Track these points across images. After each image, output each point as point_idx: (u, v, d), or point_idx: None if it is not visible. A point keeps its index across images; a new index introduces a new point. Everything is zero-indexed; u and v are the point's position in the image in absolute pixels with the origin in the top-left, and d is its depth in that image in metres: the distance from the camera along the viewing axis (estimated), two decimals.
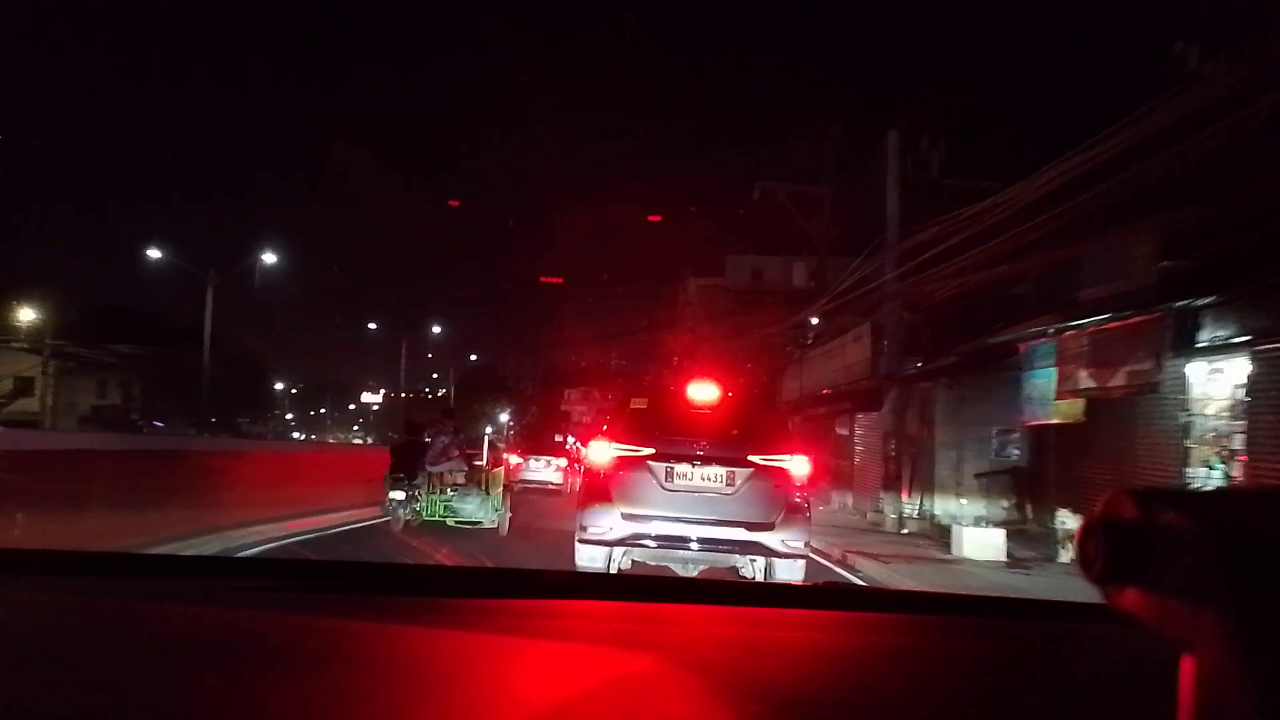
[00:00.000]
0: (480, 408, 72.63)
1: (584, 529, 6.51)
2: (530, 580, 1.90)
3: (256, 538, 9.44)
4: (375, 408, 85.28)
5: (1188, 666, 0.47)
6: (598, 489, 6.56)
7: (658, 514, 6.37)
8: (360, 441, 74.25)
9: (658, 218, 42.34)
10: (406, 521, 10.83)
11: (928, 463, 15.24)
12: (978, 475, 14.76)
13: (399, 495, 10.73)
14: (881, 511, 15.97)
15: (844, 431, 20.94)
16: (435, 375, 72.83)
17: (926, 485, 15.33)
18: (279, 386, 72.04)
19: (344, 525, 11.33)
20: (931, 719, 1.07)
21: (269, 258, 28.92)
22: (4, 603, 1.32)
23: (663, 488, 6.41)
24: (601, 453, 6.72)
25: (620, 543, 6.45)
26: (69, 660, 1.07)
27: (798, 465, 6.57)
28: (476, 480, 11.33)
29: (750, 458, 6.44)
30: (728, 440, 6.58)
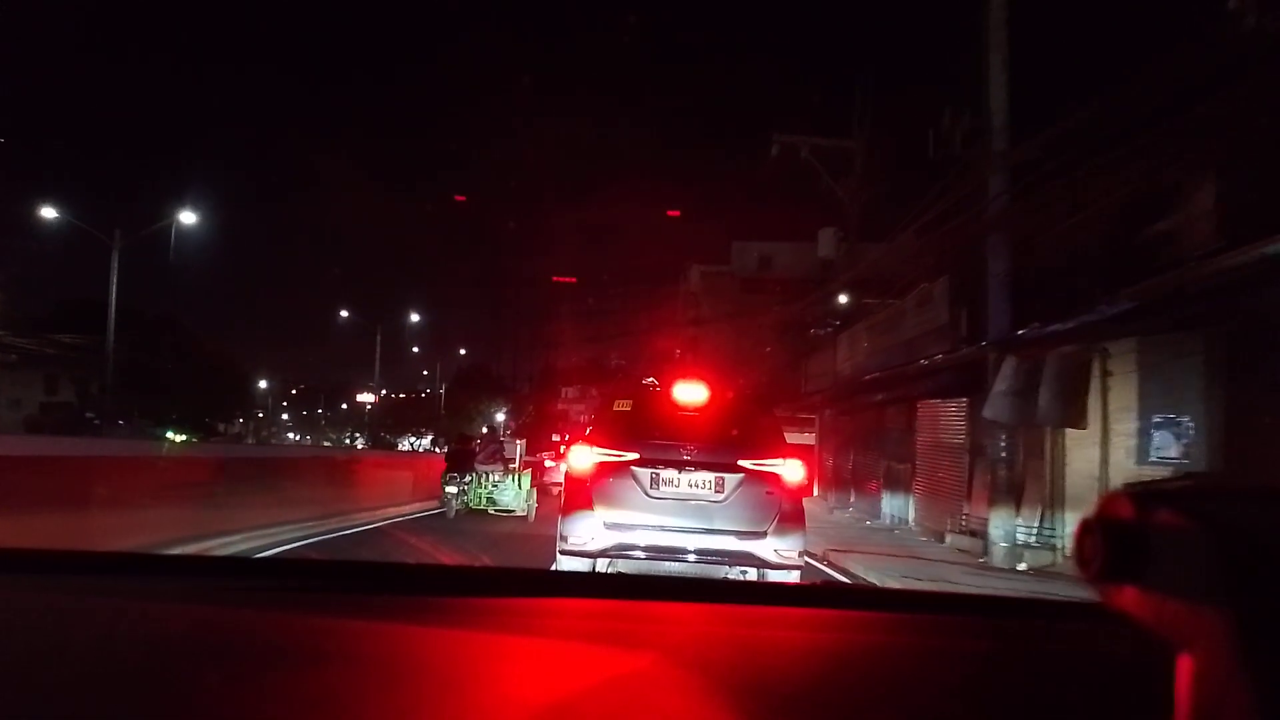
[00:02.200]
0: (475, 407, 68.69)
1: (564, 539, 5.96)
2: (530, 579, 1.89)
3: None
4: (369, 406, 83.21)
5: (1185, 666, 0.46)
6: (579, 496, 6.02)
7: (642, 523, 5.85)
8: (349, 443, 71.14)
9: (676, 213, 39.93)
10: (458, 511, 13.44)
11: (1051, 467, 10.24)
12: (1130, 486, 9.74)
13: (453, 490, 13.42)
14: (977, 534, 10.99)
15: (902, 425, 15.93)
16: (425, 372, 68.57)
17: (1049, 498, 10.32)
18: (263, 385, 67.26)
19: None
20: (927, 718, 1.03)
21: (188, 217, 23.76)
22: (5, 602, 1.29)
23: (647, 495, 5.90)
24: (583, 457, 6.14)
25: (603, 553, 5.84)
26: (70, 660, 1.05)
27: (790, 470, 5.99)
28: (511, 478, 14.19)
29: (740, 462, 5.92)
30: (716, 444, 6.04)
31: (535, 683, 1.04)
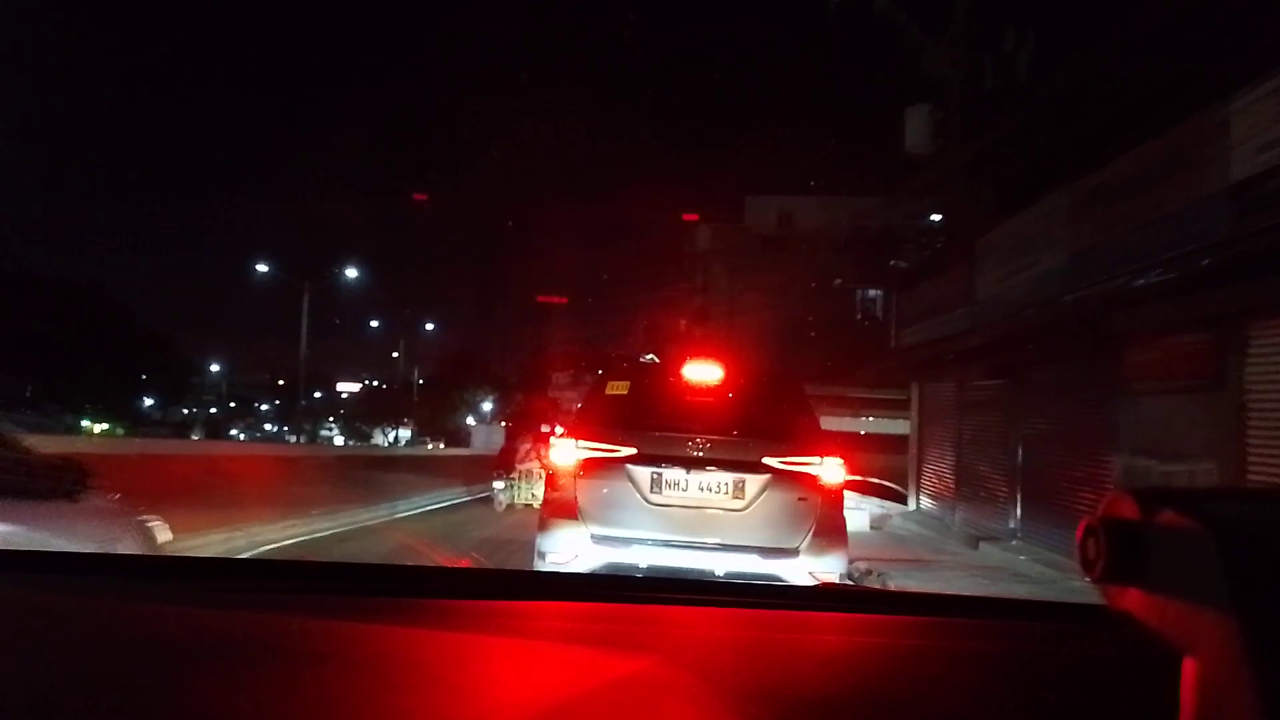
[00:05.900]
0: (459, 396, 61.01)
1: (542, 556, 4.76)
2: (532, 581, 1.84)
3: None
4: (345, 396, 76.81)
5: (1189, 668, 0.45)
6: (561, 502, 4.79)
7: (640, 536, 4.61)
8: (328, 434, 64.21)
9: (694, 216, 35.31)
10: (506, 505, 14.70)
11: None
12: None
13: (500, 485, 15.08)
14: None
15: (1182, 382, 7.47)
16: (395, 354, 61.08)
17: None
18: (215, 368, 59.20)
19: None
20: None
21: None
22: (4, 602, 1.26)
23: (647, 501, 4.68)
24: (566, 454, 4.86)
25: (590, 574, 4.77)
26: (68, 661, 1.02)
27: (829, 470, 4.70)
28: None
29: (765, 460, 4.66)
30: (735, 436, 4.79)
31: (533, 685, 1.00)
